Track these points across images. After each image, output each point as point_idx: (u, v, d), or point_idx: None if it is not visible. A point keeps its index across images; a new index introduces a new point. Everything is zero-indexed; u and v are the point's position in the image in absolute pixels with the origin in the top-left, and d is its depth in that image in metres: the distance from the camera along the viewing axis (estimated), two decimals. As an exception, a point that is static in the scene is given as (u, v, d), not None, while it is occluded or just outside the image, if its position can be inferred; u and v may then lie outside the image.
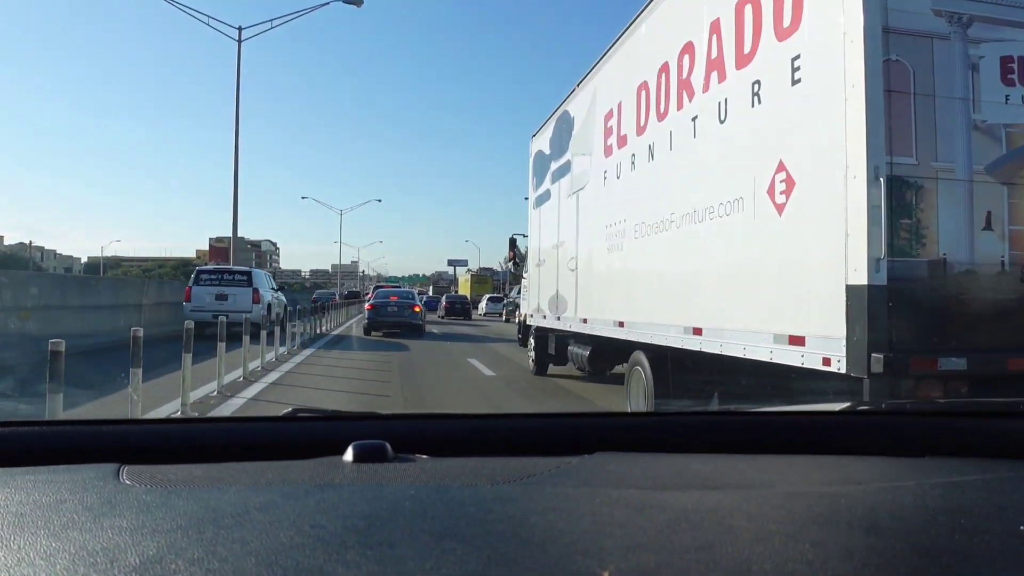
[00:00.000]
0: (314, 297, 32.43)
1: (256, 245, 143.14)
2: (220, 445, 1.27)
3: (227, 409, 7.25)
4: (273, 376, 9.82)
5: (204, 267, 17.74)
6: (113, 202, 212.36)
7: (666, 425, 1.49)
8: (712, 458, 1.22)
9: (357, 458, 1.11)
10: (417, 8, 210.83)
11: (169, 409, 6.77)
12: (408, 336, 19.98)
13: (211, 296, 15.69)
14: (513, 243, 13.87)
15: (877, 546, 0.79)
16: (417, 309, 21.34)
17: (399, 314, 20.92)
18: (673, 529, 0.82)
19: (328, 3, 22.44)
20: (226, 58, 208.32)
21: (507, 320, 34.02)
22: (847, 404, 1.45)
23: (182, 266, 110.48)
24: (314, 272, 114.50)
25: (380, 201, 64.03)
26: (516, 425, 1.47)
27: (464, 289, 67.44)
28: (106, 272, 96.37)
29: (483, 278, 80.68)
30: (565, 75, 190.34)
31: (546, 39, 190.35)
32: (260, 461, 1.12)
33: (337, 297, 43.80)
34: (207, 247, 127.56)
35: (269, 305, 16.05)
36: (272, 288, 18.73)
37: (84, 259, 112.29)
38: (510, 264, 14.28)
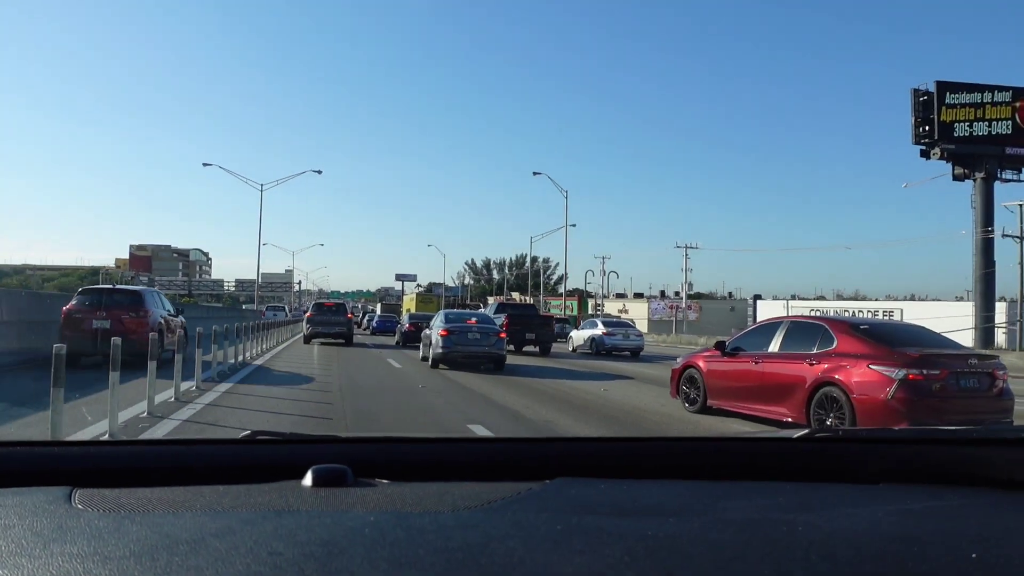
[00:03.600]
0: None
1: (184, 254, 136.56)
2: (177, 468, 1.27)
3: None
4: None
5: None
6: (30, 206, 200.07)
7: (626, 451, 1.54)
8: (672, 484, 1.28)
9: (317, 483, 1.13)
10: None
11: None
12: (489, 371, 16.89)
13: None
14: None
15: (833, 574, 0.86)
16: (503, 336, 18.14)
17: (481, 343, 17.50)
18: (632, 556, 0.87)
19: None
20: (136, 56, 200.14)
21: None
22: (805, 431, 1.51)
23: (91, 275, 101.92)
24: (240, 283, 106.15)
25: (320, 172, 52.23)
26: (478, 449, 1.50)
27: (409, 308, 63.84)
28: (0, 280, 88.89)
29: (428, 296, 77.87)
30: (523, 73, 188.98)
31: (515, 29, 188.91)
32: (218, 485, 1.14)
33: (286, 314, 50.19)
34: (127, 255, 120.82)
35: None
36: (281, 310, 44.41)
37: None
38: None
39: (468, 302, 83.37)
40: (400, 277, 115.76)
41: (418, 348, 22.56)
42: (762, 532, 0.99)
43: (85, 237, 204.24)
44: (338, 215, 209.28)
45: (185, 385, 10.07)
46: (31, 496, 1.05)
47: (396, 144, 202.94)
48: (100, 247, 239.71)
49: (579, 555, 0.87)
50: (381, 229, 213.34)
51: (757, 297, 71.06)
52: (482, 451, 1.50)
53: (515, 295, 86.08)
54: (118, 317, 13.31)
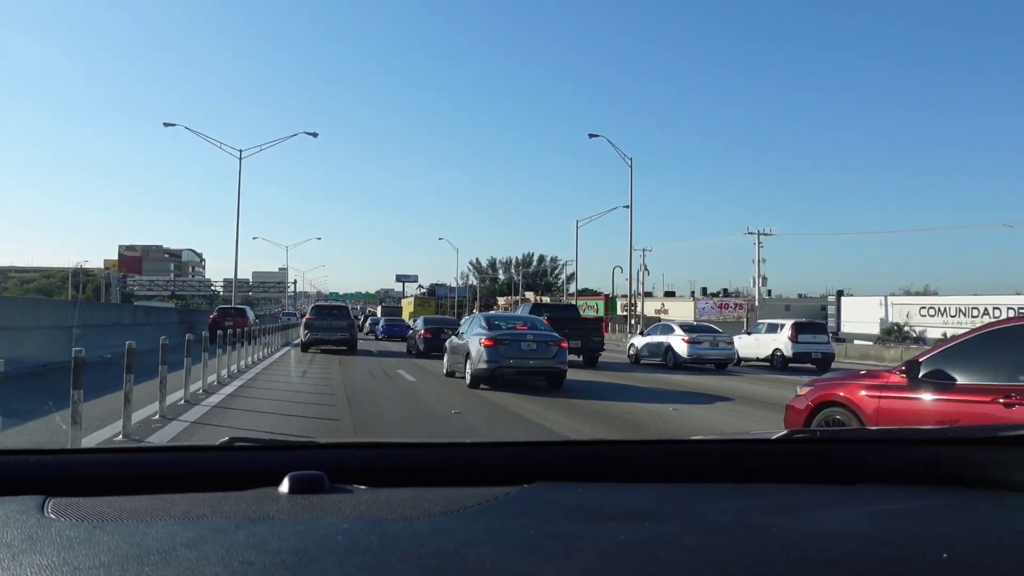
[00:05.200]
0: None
1: (176, 255, 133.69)
2: (154, 476, 1.29)
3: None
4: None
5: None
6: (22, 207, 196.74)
7: (606, 454, 1.56)
8: (650, 488, 1.30)
9: (293, 489, 1.15)
10: None
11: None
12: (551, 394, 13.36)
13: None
14: None
15: None
16: (564, 346, 14.42)
17: (538, 355, 13.86)
18: (604, 563, 0.90)
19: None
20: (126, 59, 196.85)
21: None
22: (784, 432, 1.52)
23: (72, 275, 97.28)
24: (229, 283, 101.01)
25: (316, 135, 40.63)
26: (457, 454, 1.51)
27: (407, 312, 60.93)
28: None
29: (426, 300, 74.94)
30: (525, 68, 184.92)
31: (519, 30, 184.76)
32: (195, 492, 1.16)
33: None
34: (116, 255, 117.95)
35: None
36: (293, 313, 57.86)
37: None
38: None
39: (476, 303, 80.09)
40: (400, 278, 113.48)
41: (436, 359, 19.56)
42: (737, 535, 1.01)
43: (79, 240, 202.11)
44: (336, 214, 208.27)
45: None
46: (3, 506, 1.06)
47: (397, 141, 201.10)
48: (93, 249, 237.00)
49: (551, 561, 0.89)
50: (381, 228, 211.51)
51: (841, 293, 56.01)
52: (462, 455, 1.49)
53: (529, 295, 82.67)
54: (235, 319, 27.75)
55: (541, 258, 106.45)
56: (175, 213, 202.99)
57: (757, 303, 56.54)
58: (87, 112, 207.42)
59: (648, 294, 68.42)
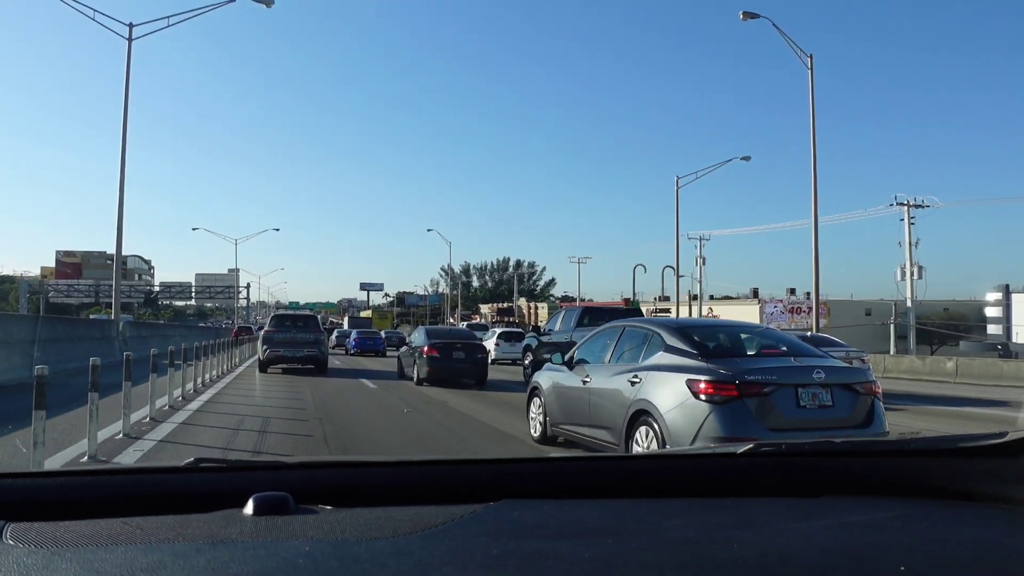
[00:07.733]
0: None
1: (121, 261, 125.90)
2: (118, 498, 1.29)
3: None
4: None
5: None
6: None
7: (572, 470, 1.57)
8: (615, 503, 1.32)
9: (258, 511, 1.16)
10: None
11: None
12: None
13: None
14: None
15: None
16: (878, 392, 7.31)
17: (837, 415, 6.73)
18: None
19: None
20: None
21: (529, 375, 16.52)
22: (749, 445, 1.54)
23: None
24: (166, 286, 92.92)
25: (271, 4, 24.99)
26: (423, 472, 1.52)
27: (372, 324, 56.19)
28: None
29: (384, 311, 70.27)
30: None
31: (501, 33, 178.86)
32: (159, 515, 1.17)
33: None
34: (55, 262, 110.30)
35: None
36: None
37: None
38: None
39: (458, 311, 74.93)
40: (365, 286, 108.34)
41: (449, 388, 14.99)
42: (699, 551, 1.04)
43: (20, 248, 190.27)
44: (295, 219, 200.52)
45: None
46: None
47: (358, 145, 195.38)
48: (40, 258, 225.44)
49: None
50: (342, 234, 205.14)
51: (1008, 289, 39.36)
52: (429, 473, 1.50)
53: (522, 302, 77.90)
54: (247, 333, 47.52)
55: (518, 263, 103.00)
56: (126, 221, 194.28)
57: (909, 303, 40.05)
58: (27, 119, 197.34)
59: (665, 299, 55.08)
